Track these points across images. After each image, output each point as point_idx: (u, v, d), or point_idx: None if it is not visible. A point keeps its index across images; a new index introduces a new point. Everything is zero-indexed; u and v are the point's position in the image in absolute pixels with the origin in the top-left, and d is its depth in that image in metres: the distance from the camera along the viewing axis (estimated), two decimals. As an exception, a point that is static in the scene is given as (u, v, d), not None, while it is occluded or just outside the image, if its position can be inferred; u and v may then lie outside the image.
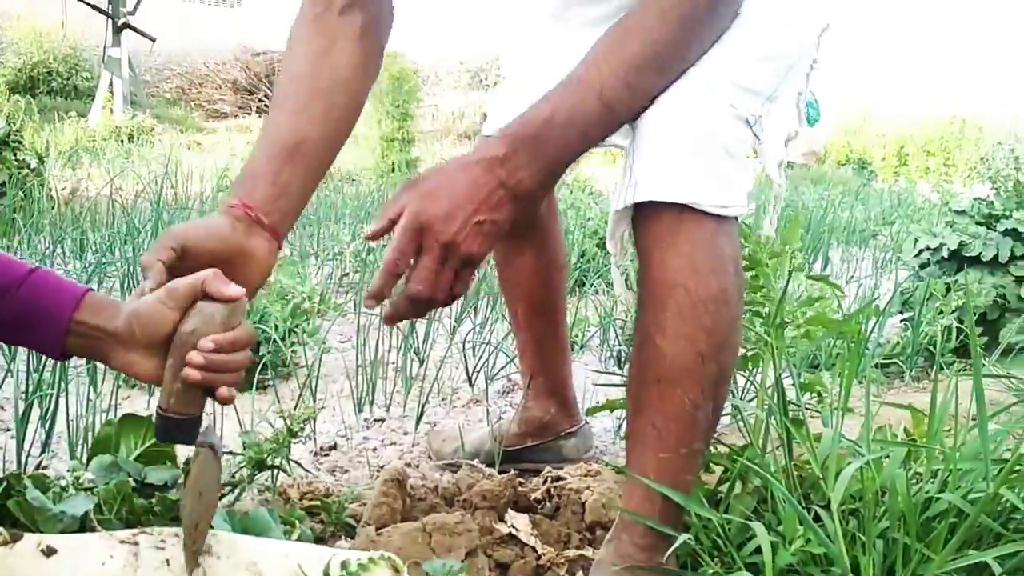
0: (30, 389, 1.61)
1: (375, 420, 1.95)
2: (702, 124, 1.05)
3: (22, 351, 2.00)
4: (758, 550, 1.07)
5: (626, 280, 1.33)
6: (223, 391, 0.88)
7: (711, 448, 1.27)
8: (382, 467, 1.67)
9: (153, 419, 0.90)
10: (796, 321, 1.30)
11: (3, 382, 1.74)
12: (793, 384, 1.35)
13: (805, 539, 1.02)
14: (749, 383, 1.72)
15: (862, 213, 6.06)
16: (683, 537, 1.00)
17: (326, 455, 1.73)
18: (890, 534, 1.00)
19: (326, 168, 1.11)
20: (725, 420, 1.77)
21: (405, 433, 1.88)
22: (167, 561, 0.93)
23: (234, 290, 0.87)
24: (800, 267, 1.40)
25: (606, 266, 3.18)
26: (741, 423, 1.31)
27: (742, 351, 1.31)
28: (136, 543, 0.94)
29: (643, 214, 1.07)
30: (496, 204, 0.99)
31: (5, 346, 1.91)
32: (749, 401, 1.53)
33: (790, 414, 1.21)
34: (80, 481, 1.14)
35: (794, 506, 1.00)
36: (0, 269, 0.90)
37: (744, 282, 1.13)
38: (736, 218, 1.09)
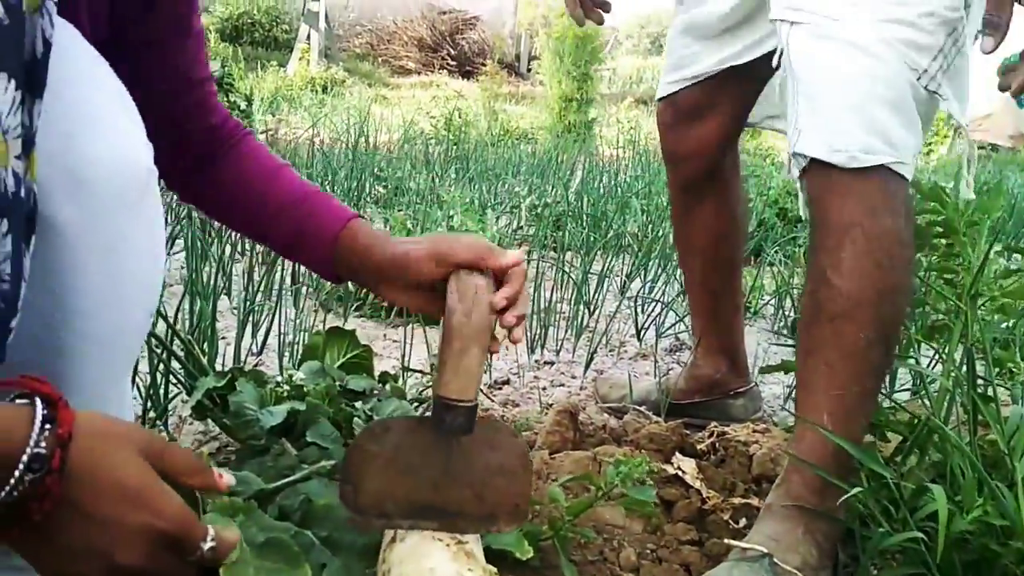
0: (246, 304, 1.81)
1: (545, 363, 2.03)
2: (868, 82, 1.09)
3: (236, 270, 2.24)
4: (931, 517, 1.06)
5: None
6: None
7: (891, 416, 1.26)
8: (550, 405, 1.75)
9: (432, 407, 0.88)
10: (991, 293, 1.25)
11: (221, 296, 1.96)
12: (984, 359, 1.30)
13: (983, 510, 1.00)
14: (937, 355, 1.67)
15: (1074, 203, 5.54)
16: (856, 491, 1.01)
17: (499, 389, 1.83)
18: (1079, 515, 0.96)
19: None
20: (906, 395, 1.73)
21: (573, 377, 1.95)
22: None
23: (511, 257, 0.90)
24: (1000, 240, 1.34)
25: (784, 236, 3.11)
26: (924, 394, 1.28)
27: (932, 319, 1.28)
28: None
29: (813, 164, 1.11)
30: None
31: (222, 263, 2.13)
32: (935, 372, 1.48)
33: (978, 389, 1.17)
34: (292, 380, 1.29)
35: (979, 471, 0.98)
36: (284, 187, 0.97)
37: (913, 230, 1.15)
38: (905, 178, 1.11)
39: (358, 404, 1.24)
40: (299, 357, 1.49)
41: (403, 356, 1.75)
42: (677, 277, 2.70)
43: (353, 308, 2.23)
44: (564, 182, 4.12)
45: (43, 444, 0.54)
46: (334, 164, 3.93)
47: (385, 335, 2.11)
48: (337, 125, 5.67)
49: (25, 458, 0.53)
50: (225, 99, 4.62)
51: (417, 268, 0.91)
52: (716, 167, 1.55)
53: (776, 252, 2.89)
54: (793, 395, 1.81)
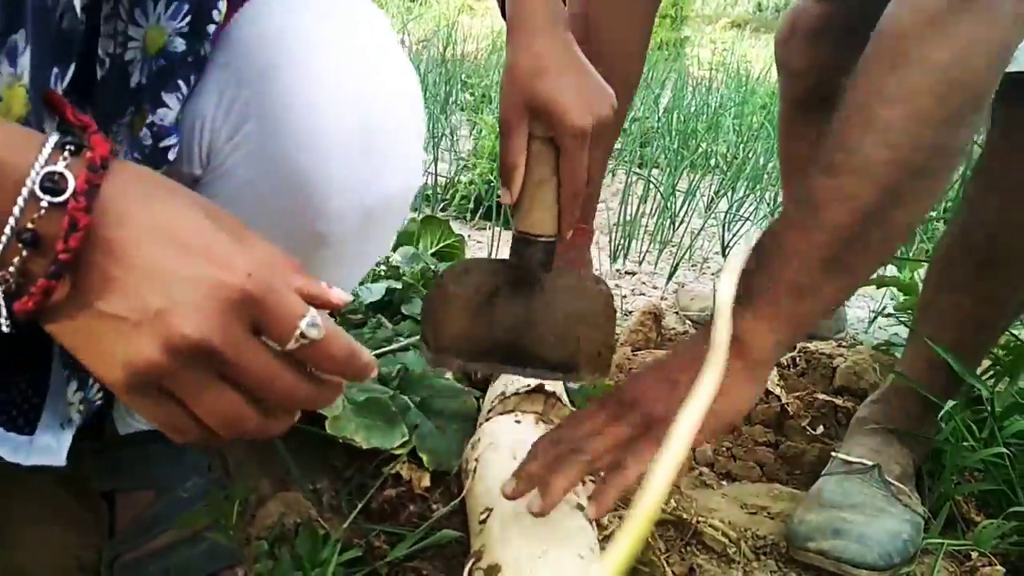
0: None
1: (626, 272, 2.05)
2: None
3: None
4: (1016, 435, 1.06)
5: None
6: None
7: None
8: (630, 312, 1.77)
9: (511, 243, 0.83)
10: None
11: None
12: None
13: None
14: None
15: None
16: (950, 403, 1.00)
17: (581, 293, 1.86)
18: None
19: None
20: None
21: (654, 287, 1.96)
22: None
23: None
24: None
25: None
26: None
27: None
28: None
29: None
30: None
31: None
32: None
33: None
34: (389, 261, 1.33)
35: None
36: None
37: None
38: None
39: (450, 288, 1.28)
40: (395, 241, 1.54)
41: (489, 253, 1.78)
42: (767, 199, 2.66)
43: (440, 207, 2.26)
44: (654, 97, 4.04)
45: (61, 164, 0.40)
46: (422, 70, 3.93)
47: (470, 235, 2.14)
48: (425, 31, 5.64)
49: (34, 173, 0.40)
50: None
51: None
52: (830, 89, 1.50)
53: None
54: (877, 319, 1.80)
